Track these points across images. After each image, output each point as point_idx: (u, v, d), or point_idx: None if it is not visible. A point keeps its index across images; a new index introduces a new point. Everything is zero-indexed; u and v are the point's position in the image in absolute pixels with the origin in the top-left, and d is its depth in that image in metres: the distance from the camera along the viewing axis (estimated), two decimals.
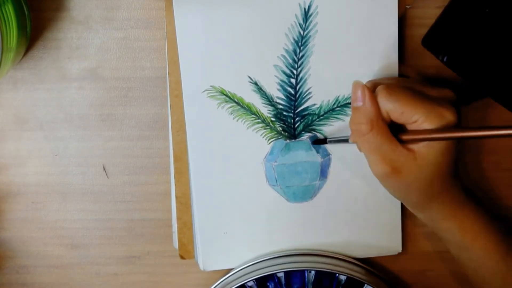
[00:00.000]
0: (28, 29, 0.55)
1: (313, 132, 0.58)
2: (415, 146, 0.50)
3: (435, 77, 0.59)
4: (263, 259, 0.59)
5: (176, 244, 0.60)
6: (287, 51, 0.56)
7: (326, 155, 0.58)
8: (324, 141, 0.57)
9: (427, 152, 0.50)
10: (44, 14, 0.57)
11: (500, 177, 0.61)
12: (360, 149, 0.52)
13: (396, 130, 0.51)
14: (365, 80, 0.57)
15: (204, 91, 0.57)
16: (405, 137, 0.50)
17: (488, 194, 0.61)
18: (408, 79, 0.56)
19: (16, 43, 0.52)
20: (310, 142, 0.58)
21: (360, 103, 0.50)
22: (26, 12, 0.54)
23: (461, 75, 0.54)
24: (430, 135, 0.49)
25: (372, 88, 0.52)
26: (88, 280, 0.61)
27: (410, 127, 0.50)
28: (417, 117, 0.49)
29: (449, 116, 0.49)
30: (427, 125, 0.49)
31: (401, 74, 0.57)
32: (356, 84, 0.51)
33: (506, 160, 0.61)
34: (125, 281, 0.62)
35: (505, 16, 0.52)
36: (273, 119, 0.58)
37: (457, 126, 0.50)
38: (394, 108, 0.50)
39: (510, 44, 0.52)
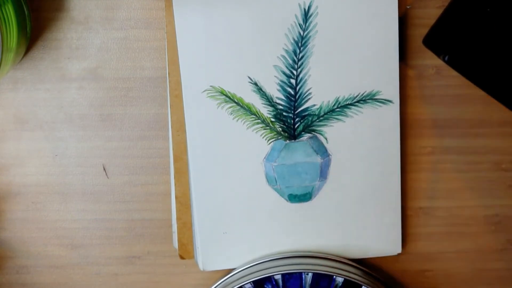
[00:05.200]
0: (28, 29, 0.55)
1: (313, 132, 0.58)
2: None
3: (436, 77, 0.59)
4: (260, 261, 0.59)
5: (176, 244, 0.60)
6: (287, 51, 0.56)
7: (326, 155, 0.58)
8: None
9: None
10: (44, 14, 0.57)
11: (500, 177, 0.61)
12: None
13: None
14: (365, 79, 0.57)
15: (204, 91, 0.57)
16: None
17: (488, 194, 0.61)
18: None
19: (16, 44, 0.52)
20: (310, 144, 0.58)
21: None
22: (26, 12, 0.54)
23: (462, 74, 0.54)
24: None
25: None
26: (88, 280, 0.62)
27: None
28: None
29: None
30: None
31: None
32: None
33: (506, 160, 0.61)
34: (125, 281, 0.62)
35: (507, 15, 0.52)
36: (273, 119, 0.58)
37: None
38: None
39: (511, 43, 0.52)
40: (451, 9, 0.53)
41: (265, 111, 0.57)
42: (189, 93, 0.57)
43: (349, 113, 0.58)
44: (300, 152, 0.58)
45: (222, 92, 0.57)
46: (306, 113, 0.58)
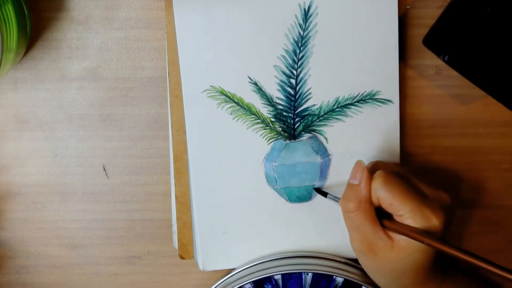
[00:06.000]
0: (28, 29, 0.55)
1: (313, 132, 0.58)
2: (395, 236, 0.51)
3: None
4: (260, 262, 0.59)
5: (176, 244, 0.60)
6: (287, 51, 0.56)
7: (326, 155, 0.58)
8: (324, 194, 0.57)
9: (405, 246, 0.51)
10: (44, 14, 0.57)
11: (500, 177, 0.61)
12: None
13: (383, 214, 0.52)
14: (365, 79, 0.57)
15: (204, 91, 0.57)
16: (387, 224, 0.51)
17: (488, 194, 0.61)
18: (409, 168, 0.57)
19: (16, 44, 0.52)
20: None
21: (355, 182, 0.52)
22: (26, 12, 0.54)
23: (462, 74, 0.54)
24: (410, 232, 0.50)
25: (372, 169, 0.54)
26: (88, 280, 0.62)
27: (395, 218, 0.51)
28: (403, 212, 0.50)
29: (434, 221, 0.50)
30: (411, 222, 0.50)
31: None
32: (359, 164, 0.52)
33: (506, 160, 0.61)
34: (125, 281, 0.62)
35: (506, 15, 0.52)
36: (273, 119, 0.58)
37: (441, 234, 0.50)
38: (385, 197, 0.51)
39: (511, 43, 0.52)
40: (451, 9, 0.53)
41: (265, 111, 0.57)
42: (189, 93, 0.57)
43: (349, 113, 0.58)
44: (300, 152, 0.58)
45: (222, 92, 0.57)
46: (306, 113, 0.58)
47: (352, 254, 0.60)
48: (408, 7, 0.57)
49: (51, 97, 0.58)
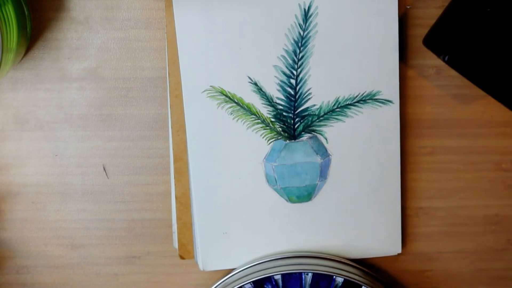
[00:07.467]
0: (28, 29, 0.55)
1: (313, 133, 0.58)
2: None
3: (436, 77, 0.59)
4: (260, 261, 0.59)
5: (176, 244, 0.60)
6: (287, 51, 0.56)
7: (326, 155, 0.58)
8: None
9: None
10: (44, 14, 0.57)
11: (500, 177, 0.61)
12: None
13: None
14: (365, 79, 0.57)
15: (204, 91, 0.57)
16: None
17: (488, 194, 0.61)
18: None
19: (16, 44, 0.52)
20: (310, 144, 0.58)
21: None
22: (26, 12, 0.54)
23: (463, 74, 0.54)
24: None
25: None
26: (88, 280, 0.62)
27: None
28: None
29: None
30: None
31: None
32: None
33: (506, 160, 0.61)
34: (125, 281, 0.62)
35: (506, 15, 0.52)
36: (273, 119, 0.58)
37: None
38: None
39: (511, 43, 0.52)
40: (451, 9, 0.53)
41: (265, 111, 0.57)
42: (189, 93, 0.57)
43: (349, 113, 0.58)
44: (300, 152, 0.58)
45: (222, 92, 0.57)
46: (306, 113, 0.58)
47: (352, 254, 0.60)
48: (408, 7, 0.57)
49: (51, 97, 0.58)
